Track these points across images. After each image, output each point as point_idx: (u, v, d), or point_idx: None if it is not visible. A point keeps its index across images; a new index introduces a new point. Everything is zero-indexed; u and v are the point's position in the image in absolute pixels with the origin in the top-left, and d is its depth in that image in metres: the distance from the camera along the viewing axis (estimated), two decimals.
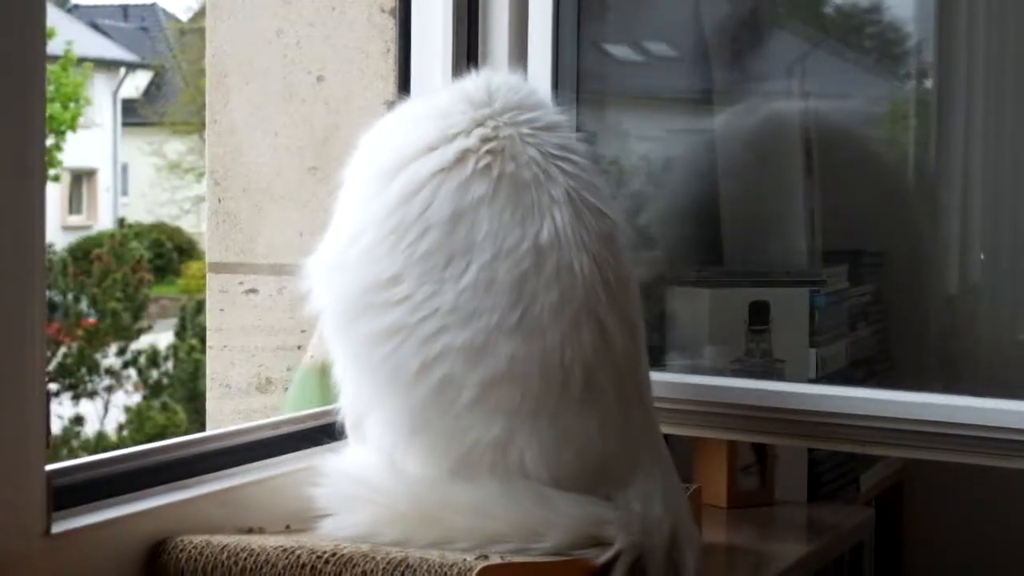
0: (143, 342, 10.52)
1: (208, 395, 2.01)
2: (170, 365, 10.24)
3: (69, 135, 13.02)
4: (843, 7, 2.51)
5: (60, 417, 9.48)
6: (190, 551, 1.37)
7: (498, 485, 1.40)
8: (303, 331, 1.92)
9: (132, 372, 10.37)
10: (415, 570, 1.30)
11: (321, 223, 1.55)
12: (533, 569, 1.36)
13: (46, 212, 1.26)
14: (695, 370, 1.94)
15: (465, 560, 1.31)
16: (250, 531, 1.49)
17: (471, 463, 1.41)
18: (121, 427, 9.73)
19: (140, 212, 17.28)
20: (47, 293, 1.31)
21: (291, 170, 1.95)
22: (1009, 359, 2.15)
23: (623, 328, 1.44)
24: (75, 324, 10.01)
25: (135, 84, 19.27)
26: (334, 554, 1.33)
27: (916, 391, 1.68)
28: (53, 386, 9.60)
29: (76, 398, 10.06)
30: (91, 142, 16.85)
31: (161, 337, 10.88)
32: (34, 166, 1.23)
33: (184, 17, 18.68)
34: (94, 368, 10.17)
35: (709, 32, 2.23)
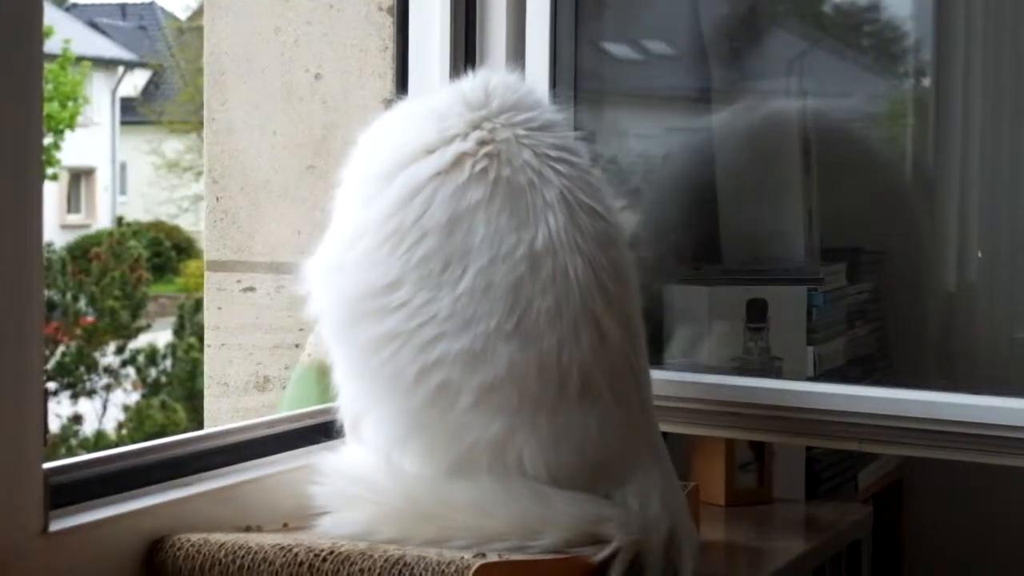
0: (141, 341, 10.53)
1: (206, 393, 2.01)
2: (168, 363, 10.24)
3: (67, 134, 13.02)
4: (841, 6, 2.51)
5: (59, 416, 9.48)
6: (188, 549, 1.37)
7: (496, 483, 1.40)
8: (301, 329, 1.92)
9: (131, 371, 10.37)
10: (412, 568, 1.30)
11: (319, 221, 1.55)
12: (531, 567, 1.35)
13: (44, 211, 1.26)
14: (693, 368, 1.94)
15: (463, 558, 1.31)
16: (248, 529, 1.49)
17: (469, 462, 1.41)
18: (120, 425, 9.74)
19: (138, 211, 17.29)
20: (45, 292, 1.31)
21: (289, 168, 1.95)
22: (1007, 357, 2.15)
23: (621, 329, 1.44)
24: (74, 323, 10.02)
25: (133, 83, 19.27)
26: (332, 552, 1.33)
27: (914, 389, 1.68)
28: (52, 385, 9.61)
29: (75, 397, 10.07)
30: (89, 141, 16.85)
31: (160, 336, 10.89)
32: (32, 165, 1.23)
33: (182, 16, 18.69)
34: (93, 367, 10.18)
35: (707, 30, 2.23)
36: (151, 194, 17.26)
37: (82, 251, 11.83)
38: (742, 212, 2.13)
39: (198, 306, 9.84)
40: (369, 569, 1.31)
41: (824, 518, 1.93)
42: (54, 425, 9.24)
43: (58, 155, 12.82)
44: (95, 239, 12.85)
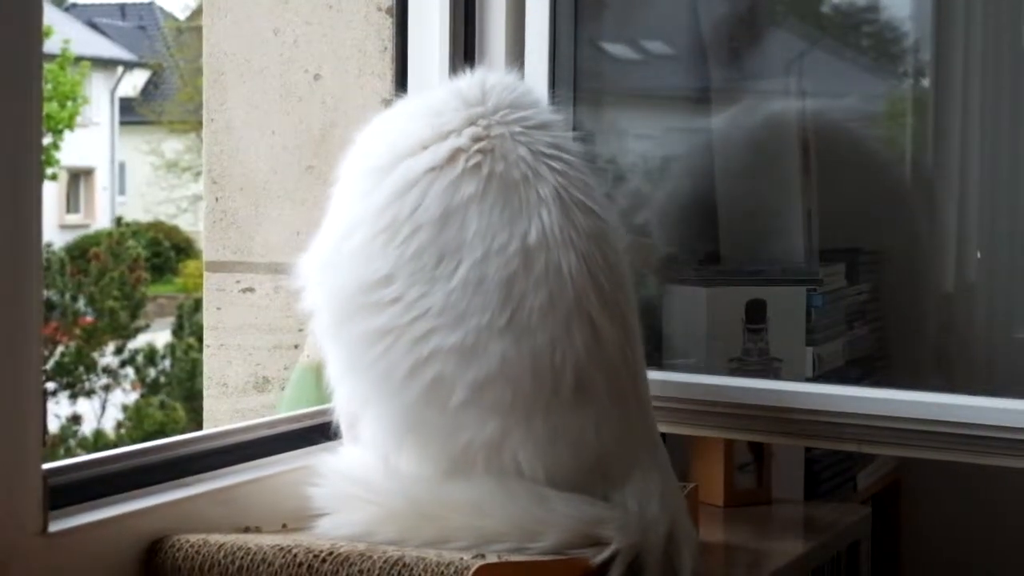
0: (140, 341, 10.53)
1: (205, 394, 2.01)
2: (167, 364, 10.24)
3: (66, 134, 13.01)
4: (840, 6, 2.51)
5: (58, 416, 9.48)
6: (187, 550, 1.37)
7: (495, 484, 1.40)
8: (300, 330, 1.92)
9: (130, 371, 10.37)
10: (412, 569, 1.30)
11: (318, 222, 1.55)
12: (530, 568, 1.35)
13: (43, 211, 1.26)
14: (692, 369, 1.94)
15: (462, 559, 1.31)
16: (247, 530, 1.49)
17: (465, 463, 1.41)
18: (119, 425, 9.73)
19: (137, 211, 17.27)
20: (44, 292, 1.30)
21: (288, 169, 1.95)
22: (1006, 357, 2.15)
23: (616, 327, 1.44)
24: (72, 323, 10.01)
25: (133, 83, 19.26)
26: (331, 553, 1.33)
27: (913, 390, 1.69)
28: (51, 385, 9.61)
29: (73, 397, 10.06)
30: (88, 141, 16.84)
31: (158, 336, 10.88)
32: (31, 165, 1.23)
33: (182, 16, 18.68)
34: (92, 367, 10.17)
35: (706, 30, 2.23)
36: (150, 194, 17.25)
37: (81, 251, 11.82)
38: (741, 212, 2.13)
39: (197, 306, 9.84)
40: (368, 570, 1.31)
41: (823, 519, 1.93)
42: (53, 425, 9.24)
43: (57, 155, 12.81)
44: (94, 239, 12.84)
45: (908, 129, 2.43)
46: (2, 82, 1.20)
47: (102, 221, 17.72)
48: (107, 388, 10.29)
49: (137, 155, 17.75)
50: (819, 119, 2.21)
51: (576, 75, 2.00)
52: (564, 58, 1.97)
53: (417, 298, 1.41)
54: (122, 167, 19.09)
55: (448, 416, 1.41)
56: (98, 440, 9.33)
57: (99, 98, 17.92)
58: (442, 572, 1.28)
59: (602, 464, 1.44)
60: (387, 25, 1.92)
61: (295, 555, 1.33)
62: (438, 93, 1.55)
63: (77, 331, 10.03)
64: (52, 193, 16.39)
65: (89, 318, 10.16)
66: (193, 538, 1.39)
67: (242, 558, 1.35)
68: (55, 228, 16.11)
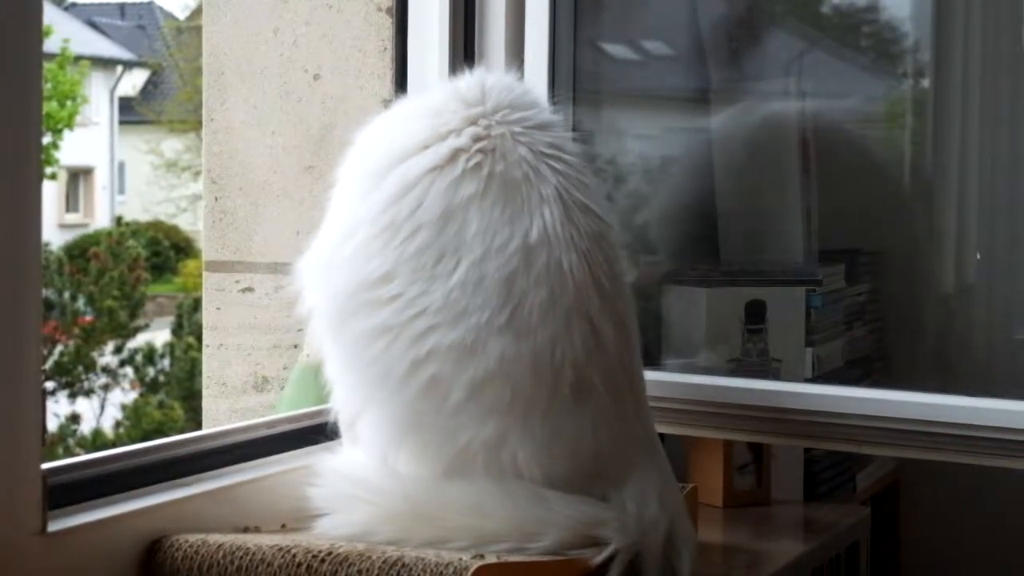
0: (140, 340, 10.52)
1: (204, 393, 2.01)
2: (167, 363, 10.24)
3: (66, 133, 13.00)
4: (840, 6, 2.51)
5: (56, 415, 9.48)
6: (186, 550, 1.37)
7: (494, 485, 1.40)
8: (299, 330, 1.92)
9: (129, 370, 10.37)
10: (411, 569, 1.30)
11: (318, 222, 1.55)
12: (529, 568, 1.35)
13: (42, 210, 1.26)
14: (691, 369, 1.94)
15: (461, 559, 1.31)
16: (246, 530, 1.49)
17: (464, 463, 1.41)
18: (118, 424, 9.73)
19: (137, 210, 17.27)
20: (43, 291, 1.31)
21: (288, 169, 1.95)
22: (1005, 358, 2.15)
23: (615, 327, 1.44)
24: (72, 322, 10.00)
25: (132, 82, 19.26)
26: (330, 553, 1.33)
27: (912, 391, 1.69)
28: (49, 384, 9.60)
29: (73, 396, 10.06)
30: (88, 140, 16.84)
31: (158, 335, 10.88)
32: (31, 164, 1.23)
33: (181, 15, 18.68)
34: (91, 366, 10.17)
35: (706, 31, 2.23)
36: (149, 193, 17.25)
37: (80, 250, 11.82)
38: (741, 213, 2.13)
39: (196, 306, 9.84)
40: (367, 570, 1.30)
41: (822, 520, 1.93)
42: (52, 424, 9.24)
43: (56, 154, 12.80)
44: (93, 238, 12.84)
45: (907, 130, 2.43)
46: (2, 81, 1.20)
47: (101, 220, 17.72)
48: (106, 387, 10.29)
49: (136, 154, 17.75)
50: (819, 120, 2.22)
51: (575, 75, 2.00)
52: (563, 58, 1.97)
53: (417, 296, 1.41)
54: (121, 166, 19.09)
55: (447, 415, 1.41)
56: (97, 439, 9.33)
57: (99, 97, 17.92)
58: (441, 572, 1.28)
59: (600, 464, 1.44)
60: (387, 25, 1.92)
61: (294, 555, 1.33)
62: (437, 94, 1.55)
63: (76, 330, 10.03)
64: (51, 192, 16.39)
65: (88, 317, 10.16)
66: (192, 538, 1.39)
67: (241, 558, 1.35)
68: (54, 227, 16.11)
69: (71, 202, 18.60)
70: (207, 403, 2.00)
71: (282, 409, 1.80)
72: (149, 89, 19.09)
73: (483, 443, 1.41)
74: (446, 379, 1.40)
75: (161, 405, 9.75)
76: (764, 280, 1.99)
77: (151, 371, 10.30)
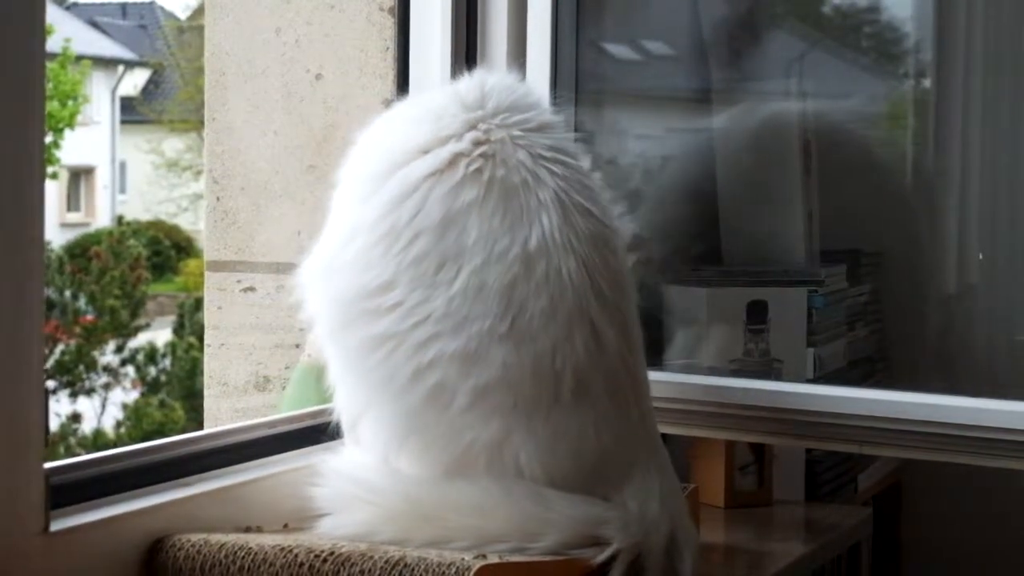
0: (141, 340, 10.53)
1: (206, 393, 2.01)
2: (168, 363, 10.24)
3: (67, 133, 13.00)
4: (841, 6, 2.51)
5: (58, 415, 9.48)
6: (188, 549, 1.37)
7: (496, 485, 1.40)
8: (301, 329, 1.91)
9: (130, 370, 10.37)
10: (413, 569, 1.30)
11: (319, 222, 1.55)
12: (531, 568, 1.36)
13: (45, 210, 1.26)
14: (693, 369, 1.94)
15: (463, 559, 1.31)
16: (248, 530, 1.49)
17: (466, 464, 1.41)
18: (119, 424, 9.73)
19: (138, 210, 17.27)
20: (45, 291, 1.30)
21: (289, 169, 1.95)
22: (1007, 359, 2.15)
23: (616, 330, 1.44)
24: (73, 322, 10.01)
25: (133, 82, 19.27)
26: (332, 553, 1.33)
27: (914, 391, 1.69)
28: (51, 383, 9.60)
29: (74, 395, 10.07)
30: (89, 140, 16.85)
31: (159, 335, 10.88)
32: (33, 164, 1.23)
33: (182, 15, 18.69)
34: (92, 366, 10.17)
35: (707, 31, 2.23)
36: (150, 193, 17.25)
37: (81, 250, 11.82)
38: (742, 213, 2.13)
39: (197, 305, 9.84)
40: (369, 570, 1.31)
41: (824, 520, 1.93)
42: (53, 424, 9.24)
43: (58, 154, 12.80)
44: (95, 238, 12.84)
45: (909, 130, 2.43)
46: (5, 81, 1.20)
47: (103, 220, 17.73)
48: (107, 387, 10.29)
49: (138, 154, 17.75)
50: (820, 120, 2.22)
51: (578, 76, 2.00)
52: (566, 59, 1.97)
53: (418, 304, 1.41)
54: (123, 166, 19.10)
55: (449, 420, 1.41)
56: (98, 439, 9.33)
57: (100, 97, 17.93)
58: (443, 572, 1.28)
59: (602, 465, 1.44)
60: (389, 25, 1.92)
61: (296, 555, 1.33)
62: (437, 96, 1.54)
63: (77, 330, 10.03)
64: (53, 192, 16.39)
65: (89, 317, 10.16)
66: (194, 538, 1.39)
67: (243, 558, 1.35)
68: (56, 227, 16.12)
69: (72, 201, 18.61)
70: (209, 403, 2.00)
71: (284, 409, 1.80)
72: (150, 89, 19.09)
73: (485, 444, 1.41)
74: (449, 386, 1.40)
75: (162, 405, 9.75)
76: (766, 280, 1.99)
77: (152, 371, 10.30)
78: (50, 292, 9.65)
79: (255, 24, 1.96)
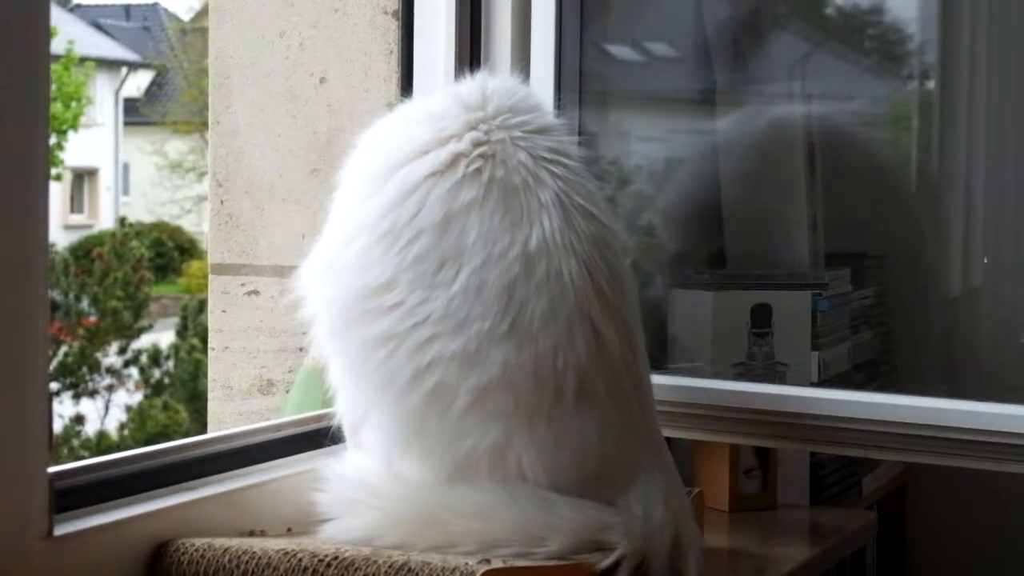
0: (144, 341, 10.53)
1: (209, 396, 2.01)
2: (171, 364, 10.24)
3: (71, 134, 13.02)
4: (845, 8, 2.51)
5: (61, 416, 9.49)
6: (192, 554, 1.37)
7: (500, 489, 1.40)
8: (305, 333, 1.91)
9: (133, 371, 10.38)
10: (417, 573, 1.29)
11: (323, 225, 1.55)
12: (536, 573, 1.35)
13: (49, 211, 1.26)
14: (697, 373, 1.94)
15: (467, 564, 1.31)
16: (252, 534, 1.49)
17: (469, 468, 1.41)
18: (122, 426, 9.74)
19: (141, 211, 17.29)
20: (49, 292, 1.30)
21: (293, 172, 1.95)
22: (1012, 363, 2.15)
23: (618, 332, 1.44)
24: (76, 323, 10.02)
25: (137, 83, 19.30)
26: (336, 557, 1.33)
27: (919, 395, 1.68)
28: (54, 385, 9.61)
29: (77, 397, 10.07)
30: (93, 141, 16.87)
31: (162, 336, 10.89)
32: (37, 166, 1.23)
33: (186, 17, 18.70)
34: (95, 367, 10.18)
35: (711, 33, 2.23)
36: (154, 195, 17.27)
37: (85, 251, 11.83)
38: (746, 216, 2.12)
39: (201, 307, 9.86)
40: (373, 575, 1.30)
41: (828, 524, 1.93)
42: (56, 425, 9.24)
43: (61, 155, 12.83)
44: (98, 239, 12.85)
45: (913, 132, 2.42)
46: (9, 83, 1.20)
47: (106, 221, 17.76)
48: (110, 388, 10.30)
49: (141, 156, 17.78)
50: (824, 122, 2.21)
51: (581, 77, 2.00)
52: (569, 61, 1.97)
53: (418, 304, 1.41)
54: (126, 168, 19.12)
55: (451, 422, 1.40)
56: (101, 441, 9.34)
57: (103, 99, 17.96)
58: None
59: (605, 469, 1.44)
60: (393, 28, 1.92)
61: (300, 559, 1.33)
62: (438, 98, 1.54)
63: (81, 331, 10.04)
64: (56, 193, 16.41)
65: (93, 318, 10.17)
66: (198, 542, 1.39)
67: (247, 562, 1.35)
68: (59, 228, 16.13)
69: (75, 203, 18.63)
70: (212, 406, 2.00)
71: (287, 412, 1.80)
72: (153, 90, 19.11)
73: (487, 448, 1.41)
74: (450, 387, 1.40)
75: (166, 406, 9.75)
76: (770, 284, 1.99)
77: (156, 372, 10.31)
78: (54, 294, 9.65)
79: (259, 27, 1.96)
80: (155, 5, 20.88)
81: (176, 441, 1.52)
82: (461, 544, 1.38)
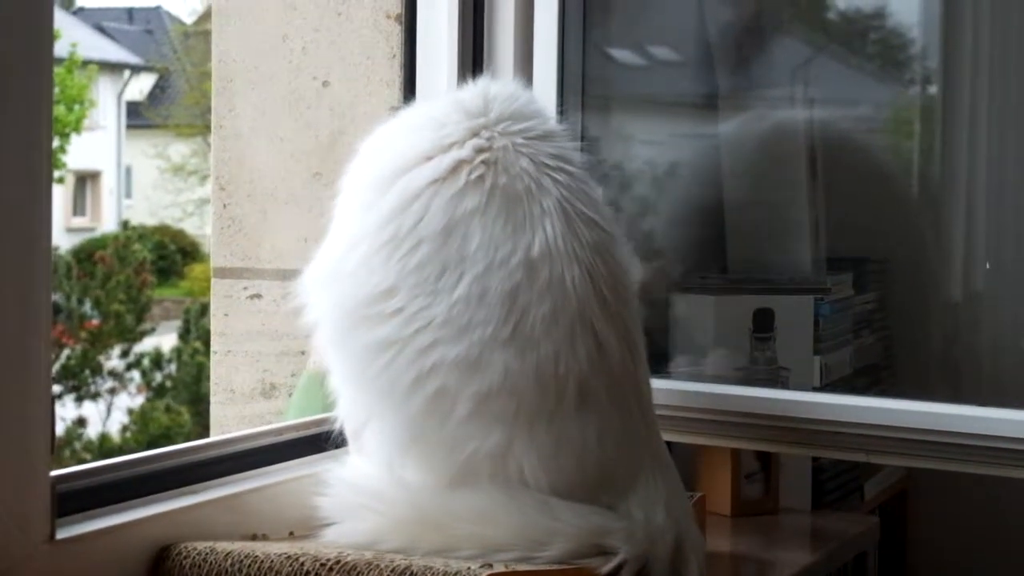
0: (146, 344, 10.53)
1: (212, 400, 2.01)
2: (173, 367, 10.25)
3: (73, 137, 13.03)
4: (847, 12, 2.51)
5: (63, 419, 9.48)
6: (194, 557, 1.37)
7: (501, 493, 1.40)
8: (307, 336, 1.92)
9: (135, 374, 10.38)
10: None
11: (325, 229, 1.55)
12: None
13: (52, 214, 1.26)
14: (699, 377, 1.94)
15: (469, 568, 1.31)
16: (254, 538, 1.49)
17: (470, 473, 1.41)
18: (125, 428, 9.74)
19: (143, 214, 17.29)
20: (52, 295, 1.30)
21: (296, 176, 1.96)
22: (1013, 368, 2.14)
23: (619, 338, 1.44)
24: (78, 326, 10.02)
25: (139, 86, 19.29)
26: (338, 562, 1.33)
27: (920, 400, 1.68)
28: (56, 388, 9.61)
29: (79, 400, 10.08)
30: (95, 144, 16.87)
31: (164, 339, 10.89)
32: (40, 168, 1.23)
33: (189, 20, 18.69)
34: (97, 370, 10.18)
35: (713, 37, 2.23)
36: (156, 198, 17.26)
37: (87, 254, 11.83)
38: (748, 221, 2.12)
39: (203, 310, 9.85)
40: None
41: (830, 529, 1.93)
42: (59, 428, 9.21)
43: (64, 158, 12.83)
44: (100, 242, 12.86)
45: (915, 137, 2.42)
46: (13, 85, 1.20)
47: (108, 224, 17.75)
48: (112, 391, 10.30)
49: (143, 159, 17.77)
50: (826, 127, 2.21)
51: (584, 81, 2.00)
52: (572, 64, 1.97)
53: (419, 310, 1.41)
54: (128, 170, 19.12)
55: (452, 428, 1.41)
56: (103, 444, 9.34)
57: (106, 102, 17.96)
58: None
59: (606, 473, 1.44)
60: (396, 32, 1.92)
61: (302, 563, 1.33)
62: (440, 104, 1.54)
63: (83, 334, 10.04)
64: (59, 196, 16.41)
65: (95, 321, 10.17)
66: (200, 545, 1.39)
67: (249, 566, 1.35)
68: (61, 231, 16.13)
69: (78, 206, 18.63)
70: (215, 410, 2.00)
71: (290, 416, 1.80)
72: (156, 93, 19.11)
73: (488, 453, 1.41)
74: (451, 392, 1.40)
75: (168, 409, 9.75)
76: (772, 288, 1.99)
77: (158, 376, 10.31)
78: (56, 297, 9.65)
79: (262, 31, 1.96)
80: (158, 8, 20.88)
81: (178, 445, 1.52)
82: (463, 548, 1.38)
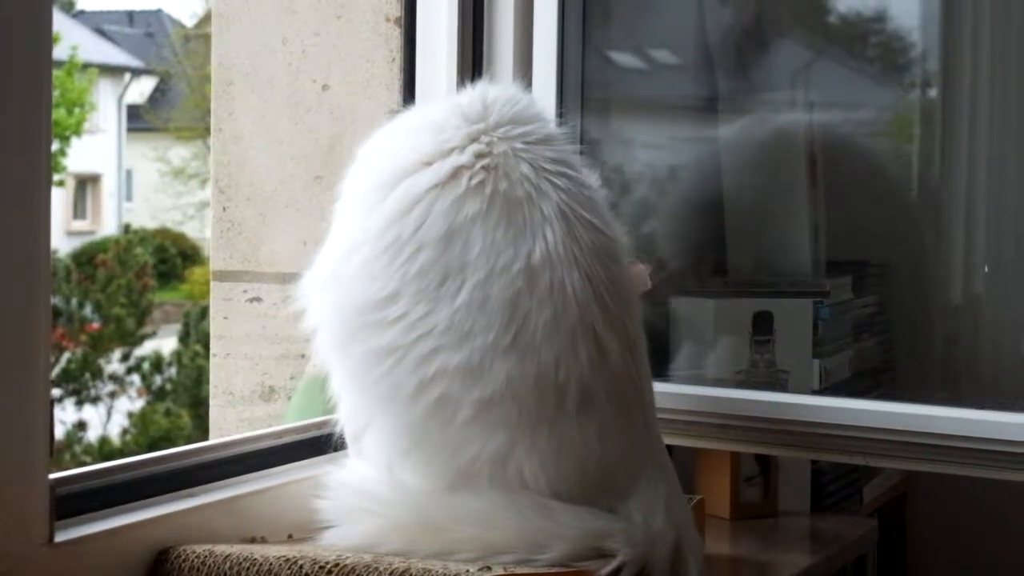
0: (147, 348, 10.54)
1: (212, 403, 2.01)
2: (173, 371, 10.25)
3: (74, 140, 13.02)
4: (847, 16, 2.51)
5: (63, 422, 9.48)
6: (193, 560, 1.37)
7: (501, 496, 1.40)
8: (307, 340, 1.92)
9: (135, 378, 10.38)
10: None
11: (325, 232, 1.55)
12: None
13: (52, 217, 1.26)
14: (698, 380, 1.94)
15: (468, 571, 1.31)
16: (253, 540, 1.49)
17: (470, 476, 1.41)
18: (125, 431, 9.74)
19: (144, 217, 17.30)
20: (52, 299, 1.31)
21: (296, 179, 1.96)
22: (1012, 371, 2.14)
23: (621, 342, 1.44)
24: (79, 330, 10.02)
25: (140, 90, 19.30)
26: (337, 564, 1.33)
27: (919, 403, 1.68)
28: (56, 391, 9.61)
29: (79, 403, 10.08)
30: (96, 147, 16.88)
31: (165, 343, 10.89)
32: (40, 171, 1.23)
33: (189, 23, 18.71)
34: (97, 373, 10.18)
35: (713, 40, 2.23)
36: (157, 201, 17.27)
37: (87, 258, 11.84)
38: (748, 224, 2.13)
39: (203, 313, 9.84)
40: None
41: (829, 532, 1.93)
42: (58, 431, 9.22)
43: (64, 161, 12.82)
44: (101, 246, 12.87)
45: (915, 140, 2.42)
46: (12, 88, 1.20)
47: (109, 227, 17.75)
48: (113, 395, 10.30)
49: (144, 162, 17.78)
50: (826, 130, 2.21)
51: (583, 84, 2.00)
52: (572, 68, 1.97)
53: (421, 317, 1.41)
54: (129, 174, 19.12)
55: (453, 433, 1.41)
56: (103, 447, 9.34)
57: (106, 105, 17.96)
58: None
59: (607, 476, 1.44)
60: (395, 36, 1.92)
61: (301, 566, 1.33)
62: (439, 109, 1.54)
63: (83, 337, 10.04)
64: (59, 199, 16.41)
65: (95, 324, 10.17)
66: (199, 548, 1.39)
67: (248, 569, 1.35)
68: (62, 234, 16.14)
69: (78, 209, 18.63)
70: (214, 413, 2.00)
71: (289, 419, 1.80)
72: (157, 96, 19.11)
73: (489, 457, 1.41)
74: (453, 399, 1.40)
75: (168, 413, 9.75)
76: (772, 291, 1.99)
77: (158, 379, 10.31)
78: (56, 300, 9.66)
79: (262, 34, 1.96)
80: (158, 11, 20.89)
81: (178, 448, 1.52)
82: (462, 551, 1.38)
